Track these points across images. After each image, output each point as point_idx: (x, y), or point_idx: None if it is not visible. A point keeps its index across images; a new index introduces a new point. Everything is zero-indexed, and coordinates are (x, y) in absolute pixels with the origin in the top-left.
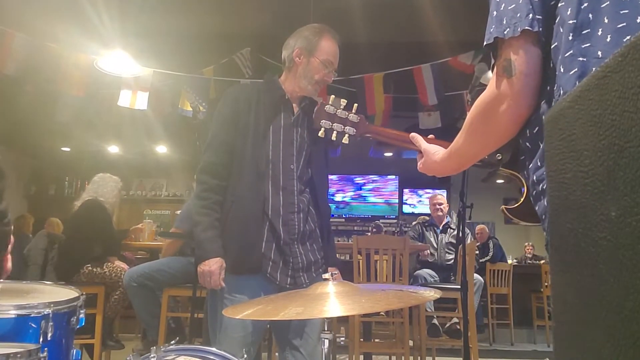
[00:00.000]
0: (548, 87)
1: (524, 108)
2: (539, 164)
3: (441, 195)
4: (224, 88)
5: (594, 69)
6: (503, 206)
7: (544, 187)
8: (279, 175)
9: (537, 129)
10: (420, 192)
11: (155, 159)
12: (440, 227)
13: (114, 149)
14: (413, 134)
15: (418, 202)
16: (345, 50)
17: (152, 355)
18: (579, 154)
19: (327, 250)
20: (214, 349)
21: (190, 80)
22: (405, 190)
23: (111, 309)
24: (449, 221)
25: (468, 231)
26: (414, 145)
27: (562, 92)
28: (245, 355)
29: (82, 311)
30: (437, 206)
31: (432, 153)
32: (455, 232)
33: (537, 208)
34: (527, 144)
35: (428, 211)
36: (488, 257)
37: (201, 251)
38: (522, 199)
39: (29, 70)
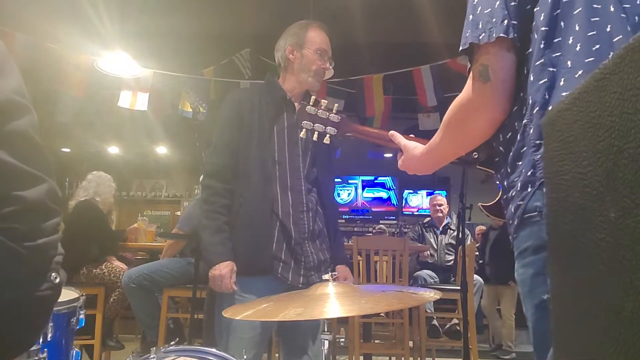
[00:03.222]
0: (521, 94)
1: (498, 112)
2: (509, 170)
3: (441, 196)
4: (224, 89)
5: (562, 79)
6: (480, 203)
7: (513, 194)
8: (286, 176)
9: (510, 134)
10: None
11: (155, 160)
12: (440, 228)
13: (114, 149)
14: (392, 132)
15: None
16: (345, 51)
17: (152, 356)
18: (578, 156)
19: (335, 249)
20: (213, 350)
21: (190, 81)
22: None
23: (110, 309)
24: (448, 222)
25: (468, 232)
26: (394, 143)
27: (530, 101)
28: (246, 356)
29: (82, 312)
30: (437, 207)
31: (412, 148)
32: (455, 233)
33: (505, 212)
34: (500, 148)
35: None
36: None
37: (210, 255)
38: (497, 197)
39: (29, 71)
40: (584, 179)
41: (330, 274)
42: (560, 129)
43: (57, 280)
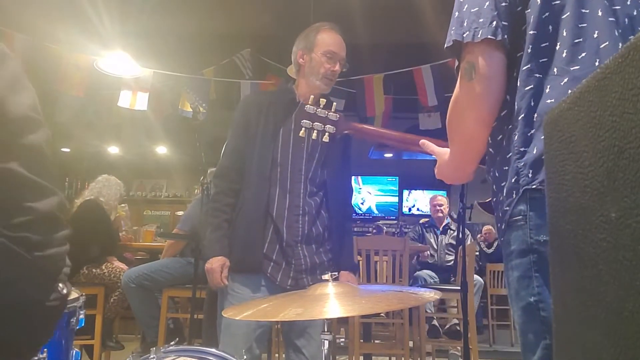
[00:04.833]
0: (508, 97)
1: (486, 111)
2: (497, 174)
3: (441, 196)
4: (224, 89)
5: (548, 86)
6: (476, 201)
7: (501, 199)
8: (286, 178)
9: (499, 137)
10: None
11: (155, 160)
12: (441, 229)
13: (114, 149)
14: (423, 141)
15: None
16: (346, 51)
17: (152, 356)
18: (579, 156)
19: (340, 254)
20: (213, 350)
21: (190, 81)
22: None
23: (110, 309)
24: (449, 222)
25: (468, 232)
26: (395, 141)
27: (516, 107)
28: (246, 356)
29: (81, 312)
30: (437, 207)
31: (443, 154)
32: (455, 233)
33: (495, 214)
34: (490, 149)
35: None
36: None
37: (207, 250)
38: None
39: (29, 71)
40: (585, 179)
41: (330, 274)
42: (561, 129)
43: (64, 291)
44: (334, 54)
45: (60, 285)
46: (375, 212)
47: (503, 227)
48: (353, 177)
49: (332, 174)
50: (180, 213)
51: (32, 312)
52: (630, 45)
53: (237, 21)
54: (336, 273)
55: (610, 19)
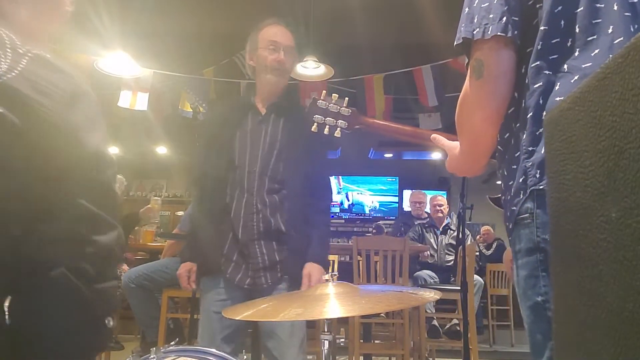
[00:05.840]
0: (516, 94)
1: (494, 110)
2: (505, 173)
3: (441, 196)
4: (224, 89)
5: (558, 84)
6: (487, 195)
7: (509, 198)
8: (243, 179)
9: (507, 135)
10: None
11: (155, 160)
12: (440, 229)
13: (113, 149)
14: (434, 135)
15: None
16: (346, 51)
17: (152, 356)
18: (579, 155)
19: (308, 246)
20: (213, 350)
21: (190, 81)
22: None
23: None
24: (449, 222)
25: (468, 232)
26: (406, 135)
27: (524, 105)
28: (245, 356)
29: None
30: (437, 207)
31: (454, 148)
32: (455, 234)
33: (504, 212)
34: (499, 147)
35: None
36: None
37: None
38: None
39: None
40: (586, 179)
41: (330, 274)
42: (562, 129)
43: (111, 324)
44: (276, 44)
45: (109, 318)
46: (367, 211)
47: (511, 226)
48: (333, 177)
49: (292, 170)
50: (180, 213)
51: (77, 345)
52: (630, 45)
53: (236, 21)
54: (336, 273)
55: (627, 13)
